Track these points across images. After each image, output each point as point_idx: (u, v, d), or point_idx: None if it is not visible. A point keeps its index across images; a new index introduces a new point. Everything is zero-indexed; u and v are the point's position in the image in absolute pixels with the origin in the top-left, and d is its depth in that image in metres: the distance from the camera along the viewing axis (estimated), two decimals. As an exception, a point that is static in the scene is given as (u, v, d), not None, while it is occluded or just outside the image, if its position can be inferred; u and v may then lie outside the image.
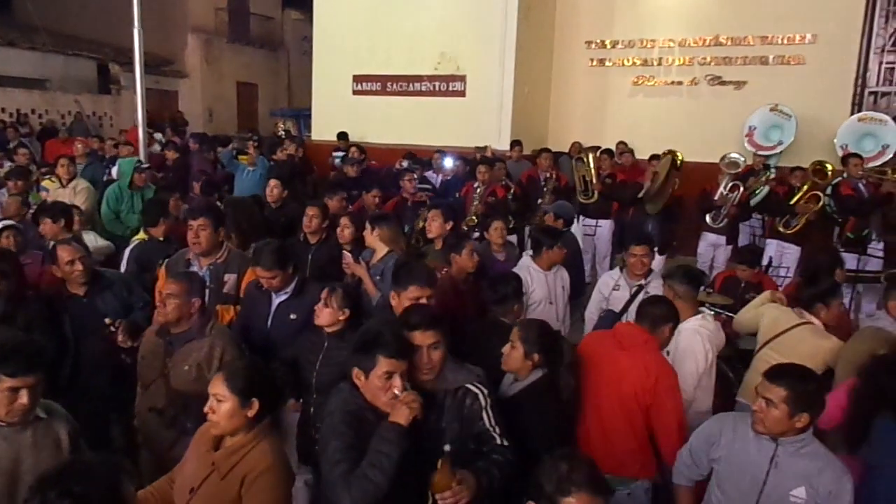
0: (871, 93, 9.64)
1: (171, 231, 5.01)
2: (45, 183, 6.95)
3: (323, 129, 11.76)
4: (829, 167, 7.61)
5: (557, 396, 2.88)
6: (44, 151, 10.68)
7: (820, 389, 2.55)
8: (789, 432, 2.46)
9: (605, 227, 7.86)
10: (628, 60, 11.07)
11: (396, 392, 2.32)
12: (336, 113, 11.61)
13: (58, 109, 15.32)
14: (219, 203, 5.71)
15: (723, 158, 7.55)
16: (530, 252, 4.72)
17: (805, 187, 7.21)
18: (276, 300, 3.76)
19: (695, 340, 3.52)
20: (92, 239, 5.67)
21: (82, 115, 15.09)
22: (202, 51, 19.33)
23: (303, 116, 14.93)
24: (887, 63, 9.58)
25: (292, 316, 3.69)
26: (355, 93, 11.69)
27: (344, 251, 4.64)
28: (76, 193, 6.65)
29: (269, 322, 3.74)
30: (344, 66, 11.67)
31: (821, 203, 7.01)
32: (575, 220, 7.69)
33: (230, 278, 4.07)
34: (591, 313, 4.71)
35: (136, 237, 5.28)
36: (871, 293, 6.89)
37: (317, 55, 12.11)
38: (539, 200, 7.40)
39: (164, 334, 3.29)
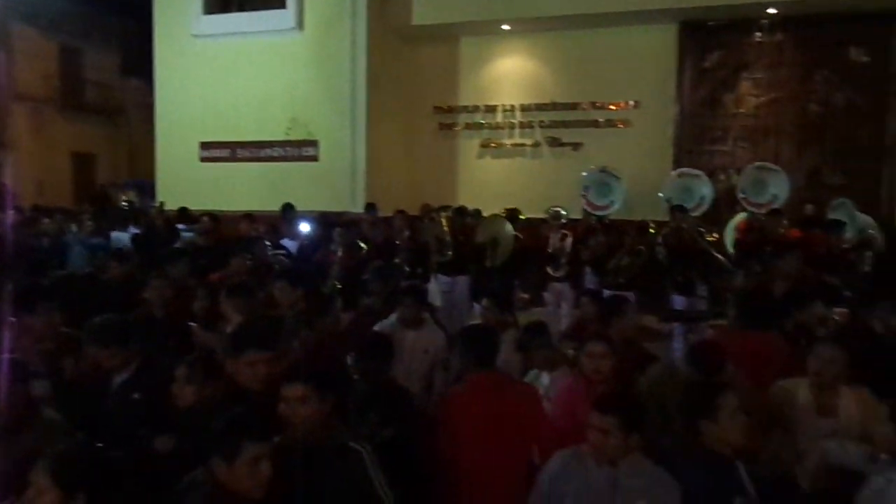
0: (686, 151, 10.75)
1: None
2: None
3: (169, 199, 11.24)
4: (652, 228, 8.17)
5: (404, 458, 2.95)
6: None
7: (642, 407, 2.81)
8: (625, 454, 2.64)
9: (462, 283, 8.01)
10: (475, 124, 11.65)
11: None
12: (183, 181, 11.19)
13: None
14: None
15: (547, 211, 8.10)
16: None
17: (630, 243, 7.71)
18: (117, 380, 3.46)
19: None
20: None
21: None
22: (29, 120, 18.01)
23: (147, 186, 14.20)
24: (697, 125, 10.76)
25: (136, 395, 3.41)
26: (203, 160, 11.36)
27: (192, 324, 4.45)
28: None
29: (110, 406, 3.42)
30: (190, 133, 11.35)
31: (641, 257, 7.54)
32: (432, 279, 7.88)
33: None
34: None
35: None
36: (700, 334, 7.49)
37: (160, 122, 11.71)
38: (396, 261, 7.45)
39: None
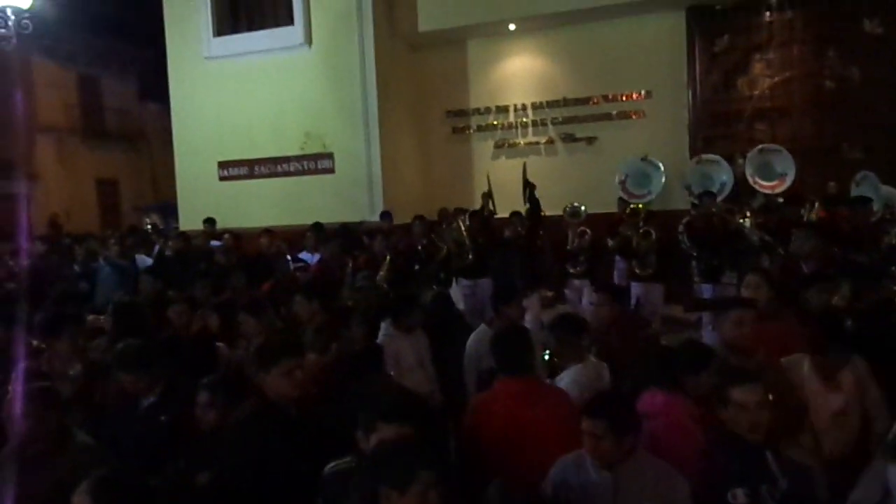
0: (703, 137, 10.63)
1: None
2: None
3: (191, 220, 11.43)
4: (641, 207, 8.12)
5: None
6: None
7: (634, 409, 2.73)
8: (623, 457, 2.59)
9: (484, 285, 7.99)
10: (487, 126, 11.67)
11: None
12: (203, 201, 11.33)
13: None
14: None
15: (565, 209, 8.03)
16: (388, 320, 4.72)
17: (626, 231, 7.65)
18: (144, 403, 3.54)
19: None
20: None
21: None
22: (54, 150, 18.42)
23: (169, 208, 14.45)
24: (712, 110, 10.65)
25: (162, 418, 3.48)
26: (222, 178, 11.51)
27: (219, 344, 4.51)
28: None
29: (139, 429, 3.50)
30: (207, 153, 11.48)
31: (653, 237, 7.45)
32: (454, 283, 7.89)
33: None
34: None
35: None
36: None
37: (178, 145, 11.85)
38: (416, 267, 7.49)
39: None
